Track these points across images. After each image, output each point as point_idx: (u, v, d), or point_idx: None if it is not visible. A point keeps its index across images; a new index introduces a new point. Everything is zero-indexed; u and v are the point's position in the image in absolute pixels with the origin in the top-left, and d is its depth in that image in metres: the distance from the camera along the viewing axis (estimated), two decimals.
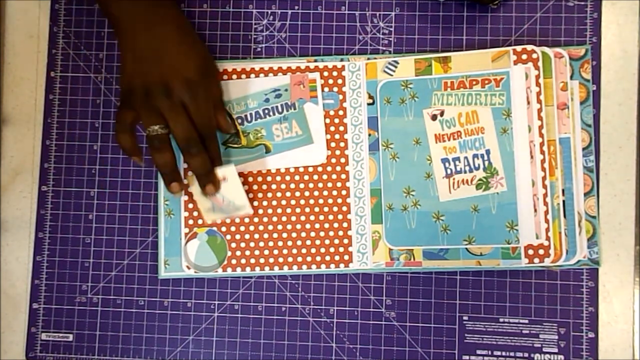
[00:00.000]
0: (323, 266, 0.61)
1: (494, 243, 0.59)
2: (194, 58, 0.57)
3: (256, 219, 0.62)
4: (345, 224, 0.61)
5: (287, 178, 0.62)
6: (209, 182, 0.58)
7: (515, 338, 0.61)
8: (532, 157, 0.59)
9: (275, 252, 0.61)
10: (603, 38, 0.61)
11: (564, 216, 0.59)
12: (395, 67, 0.61)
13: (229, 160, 0.62)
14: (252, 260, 0.62)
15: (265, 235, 0.62)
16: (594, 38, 0.61)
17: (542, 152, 0.59)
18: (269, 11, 0.64)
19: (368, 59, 0.62)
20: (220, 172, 0.59)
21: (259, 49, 0.64)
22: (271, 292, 0.62)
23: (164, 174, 0.58)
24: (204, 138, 0.58)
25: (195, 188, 0.60)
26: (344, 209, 0.61)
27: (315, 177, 0.62)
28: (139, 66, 0.56)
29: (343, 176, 0.62)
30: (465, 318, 0.61)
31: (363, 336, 0.61)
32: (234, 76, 0.62)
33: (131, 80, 0.56)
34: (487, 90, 0.60)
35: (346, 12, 0.63)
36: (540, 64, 0.59)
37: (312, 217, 0.61)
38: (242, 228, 0.62)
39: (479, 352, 0.61)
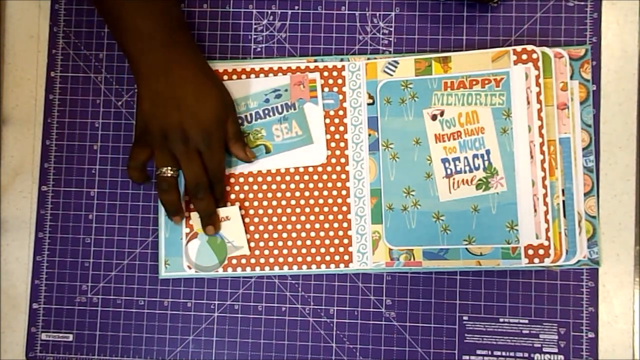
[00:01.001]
0: (323, 266, 0.61)
1: (494, 243, 0.59)
2: (211, 105, 0.57)
3: (256, 219, 0.62)
4: (345, 224, 0.61)
5: (287, 178, 0.62)
6: (210, 224, 0.60)
7: (515, 338, 0.61)
8: (532, 157, 0.59)
9: (275, 252, 0.61)
10: (603, 38, 0.61)
11: (564, 216, 0.59)
12: (395, 67, 0.61)
13: (229, 160, 0.62)
14: (252, 260, 0.62)
15: (266, 235, 0.62)
16: (594, 38, 0.61)
17: (542, 152, 0.59)
18: (269, 11, 0.64)
19: (368, 59, 0.62)
20: (223, 212, 0.61)
21: (259, 49, 0.64)
22: (271, 292, 0.62)
23: (167, 210, 0.60)
24: (213, 182, 0.59)
25: (195, 220, 0.61)
26: (344, 209, 0.61)
27: (315, 177, 0.62)
28: (157, 110, 0.57)
29: (343, 176, 0.62)
30: (465, 318, 0.61)
31: (363, 336, 0.61)
32: (234, 76, 0.62)
33: (149, 121, 0.57)
34: (487, 90, 0.60)
35: (346, 12, 0.63)
36: (540, 64, 0.59)
37: (312, 217, 0.61)
38: None
39: (479, 352, 0.61)
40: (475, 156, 0.60)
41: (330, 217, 0.61)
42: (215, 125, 0.58)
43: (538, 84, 0.59)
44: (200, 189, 0.58)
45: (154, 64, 0.56)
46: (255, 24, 0.64)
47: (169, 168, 0.58)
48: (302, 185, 0.62)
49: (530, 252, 0.59)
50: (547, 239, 0.59)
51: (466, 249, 0.60)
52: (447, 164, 0.60)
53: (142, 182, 0.61)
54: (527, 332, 0.61)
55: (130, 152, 0.59)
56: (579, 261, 0.60)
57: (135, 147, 0.59)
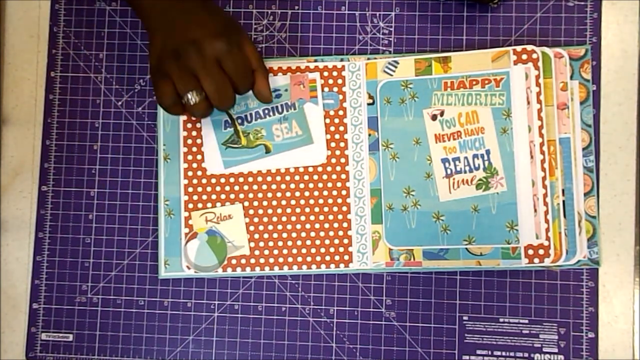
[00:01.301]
0: (323, 266, 0.61)
1: (494, 243, 0.59)
2: (220, 19, 0.55)
3: (256, 219, 0.62)
4: (345, 224, 0.61)
5: (287, 178, 0.62)
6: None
7: (515, 338, 0.61)
8: (532, 157, 0.59)
9: (275, 252, 0.61)
10: (603, 38, 0.61)
11: (564, 216, 0.59)
12: (395, 67, 0.61)
13: (229, 160, 0.62)
14: (252, 260, 0.62)
15: (265, 235, 0.62)
16: (594, 38, 0.61)
17: (542, 152, 0.59)
18: (269, 11, 0.64)
19: (368, 59, 0.62)
20: (226, 210, 0.61)
21: (259, 49, 0.63)
22: (271, 292, 0.62)
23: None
24: (243, 88, 0.57)
25: (195, 219, 0.61)
26: (344, 209, 0.61)
27: (315, 177, 0.62)
28: (168, 34, 0.54)
29: (343, 176, 0.62)
30: (465, 318, 0.61)
31: (363, 336, 0.61)
32: None
33: (163, 49, 0.54)
34: (487, 90, 0.60)
35: (346, 12, 0.63)
36: (540, 64, 0.59)
37: (312, 217, 0.61)
38: None
39: (479, 352, 0.61)
40: (475, 156, 0.60)
41: (330, 217, 0.61)
42: (227, 32, 0.54)
43: (538, 84, 0.59)
44: (225, 103, 0.56)
45: (164, 11, 0.55)
46: (255, 24, 0.64)
47: (194, 93, 0.54)
48: (302, 185, 0.62)
49: (530, 252, 0.59)
50: (547, 239, 0.59)
51: (466, 249, 0.60)
52: (447, 164, 0.60)
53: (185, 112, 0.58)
54: (527, 332, 0.61)
55: (155, 95, 0.56)
56: (579, 261, 0.60)
57: (156, 87, 0.56)
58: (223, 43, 0.54)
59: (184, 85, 0.54)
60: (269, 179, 0.62)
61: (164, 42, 0.55)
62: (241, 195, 0.62)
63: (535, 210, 0.59)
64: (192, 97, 0.55)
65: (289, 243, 0.61)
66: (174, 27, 0.54)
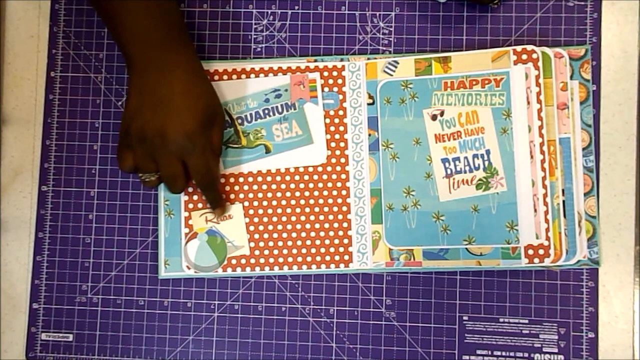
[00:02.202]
0: (323, 266, 0.61)
1: (494, 243, 0.59)
2: (198, 108, 0.56)
3: (256, 219, 0.62)
4: (345, 224, 0.61)
5: (287, 178, 0.62)
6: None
7: (515, 338, 0.61)
8: (532, 157, 0.59)
9: (275, 252, 0.61)
10: (603, 38, 0.61)
11: (564, 216, 0.59)
12: (395, 67, 0.61)
13: (229, 160, 0.62)
14: (252, 260, 0.62)
15: (265, 235, 0.62)
16: (594, 38, 0.61)
17: (542, 152, 0.59)
18: (269, 11, 0.64)
19: (368, 59, 0.62)
20: (226, 210, 0.61)
21: (259, 49, 0.64)
22: (271, 292, 0.62)
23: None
24: (202, 189, 0.59)
25: (195, 219, 0.62)
26: (344, 209, 0.61)
27: (315, 177, 0.62)
28: (142, 109, 0.55)
29: (343, 176, 0.62)
30: (465, 318, 0.61)
31: (363, 336, 0.61)
32: (234, 76, 0.62)
33: (132, 120, 0.55)
34: (487, 90, 0.60)
35: (346, 12, 0.63)
36: (540, 64, 0.59)
37: (312, 217, 0.61)
38: None
39: (479, 352, 0.61)
40: (475, 156, 0.60)
41: (330, 217, 0.61)
42: (199, 129, 0.55)
43: (538, 84, 0.59)
44: (174, 191, 0.58)
45: (147, 62, 0.55)
46: (255, 24, 0.64)
47: (151, 175, 0.57)
48: (302, 185, 0.62)
49: (530, 252, 0.59)
50: (547, 239, 0.59)
51: (466, 249, 0.60)
52: (447, 164, 0.60)
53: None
54: (527, 332, 0.61)
55: (117, 156, 0.58)
56: (579, 261, 0.60)
57: (120, 152, 0.57)
58: (189, 143, 0.55)
59: (142, 166, 0.57)
60: (269, 179, 0.62)
61: (135, 116, 0.55)
62: (241, 195, 0.62)
63: (535, 210, 0.59)
64: (147, 177, 0.57)
65: (289, 243, 0.61)
66: (149, 107, 0.55)
